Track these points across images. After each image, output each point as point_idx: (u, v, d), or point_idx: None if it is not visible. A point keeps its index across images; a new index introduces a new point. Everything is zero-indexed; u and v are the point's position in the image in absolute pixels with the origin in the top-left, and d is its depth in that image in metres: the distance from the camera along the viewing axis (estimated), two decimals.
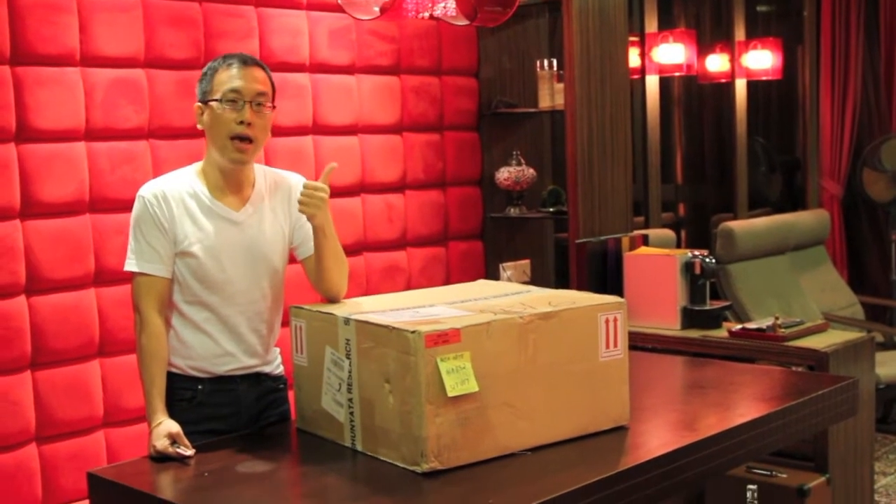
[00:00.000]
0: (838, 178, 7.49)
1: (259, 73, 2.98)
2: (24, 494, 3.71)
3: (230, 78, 2.93)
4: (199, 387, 3.03)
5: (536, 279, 5.33)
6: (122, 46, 3.99)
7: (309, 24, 4.61)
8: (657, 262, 4.82)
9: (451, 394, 2.49)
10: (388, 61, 4.94)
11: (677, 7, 7.13)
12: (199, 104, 3.00)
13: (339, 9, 4.37)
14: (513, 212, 5.37)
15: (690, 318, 4.75)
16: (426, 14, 4.42)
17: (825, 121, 7.49)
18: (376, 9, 4.25)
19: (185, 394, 3.02)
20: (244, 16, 4.36)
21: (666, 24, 6.63)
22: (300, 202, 2.92)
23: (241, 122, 2.91)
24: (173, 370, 3.00)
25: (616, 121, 5.19)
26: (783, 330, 4.47)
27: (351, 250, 4.60)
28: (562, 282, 5.41)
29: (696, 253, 4.79)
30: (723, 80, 7.07)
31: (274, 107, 3.02)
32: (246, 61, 2.98)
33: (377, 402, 2.64)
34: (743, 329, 4.60)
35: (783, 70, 7.26)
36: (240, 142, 2.92)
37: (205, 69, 3.02)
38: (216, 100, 2.93)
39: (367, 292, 4.65)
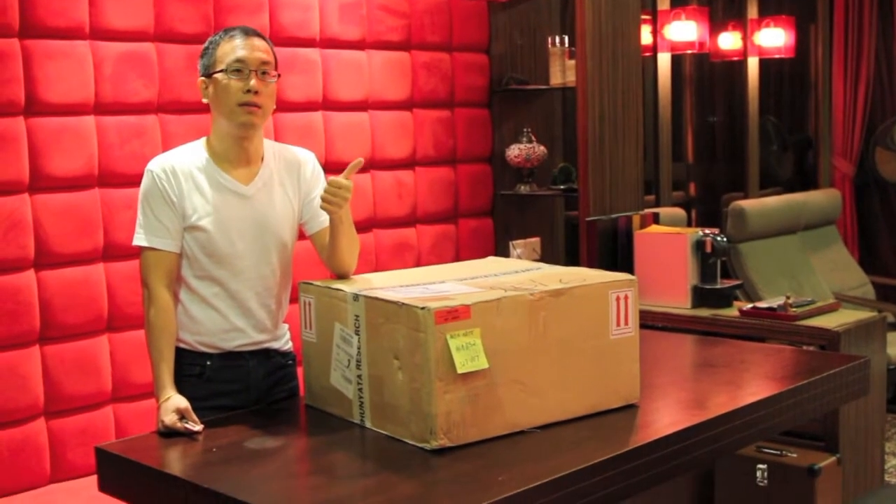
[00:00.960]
0: (850, 158, 7.46)
1: (261, 43, 2.97)
2: (33, 469, 3.72)
3: (234, 49, 2.92)
4: (208, 362, 3.02)
5: (546, 257, 5.32)
6: (132, 20, 3.97)
7: None
8: (668, 241, 4.81)
9: (460, 370, 2.48)
10: (398, 37, 4.91)
11: None
12: (203, 79, 2.98)
13: None
14: (523, 189, 5.35)
15: (701, 296, 4.74)
16: None
17: (838, 100, 7.45)
18: None
19: (193, 369, 3.01)
20: None
21: (679, 1, 6.59)
22: (323, 199, 2.89)
23: (248, 91, 2.90)
24: (182, 345, 3.00)
25: (627, 98, 5.17)
26: (794, 309, 4.46)
27: (361, 227, 4.57)
28: (572, 260, 5.40)
29: (708, 231, 4.77)
30: (735, 59, 7.04)
31: (278, 75, 3.00)
32: (247, 32, 2.97)
33: (386, 379, 2.63)
34: (754, 308, 4.59)
35: (796, 48, 7.22)
36: (248, 105, 2.91)
37: (206, 44, 3.01)
38: (221, 71, 2.92)
39: (377, 269, 4.64)
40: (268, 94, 2.96)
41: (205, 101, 3.00)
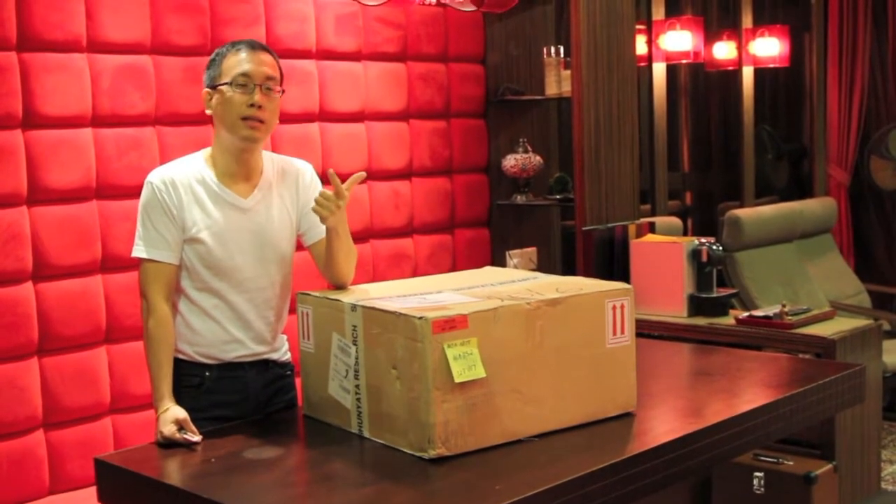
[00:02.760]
0: (845, 166, 7.47)
1: (267, 58, 2.98)
2: (32, 480, 3.72)
3: (239, 62, 2.93)
4: (207, 373, 3.03)
5: (543, 266, 5.33)
6: (129, 33, 3.99)
7: (315, 10, 4.60)
8: (664, 250, 4.82)
9: (458, 380, 2.49)
10: (394, 48, 4.93)
11: None
12: (208, 90, 2.99)
13: None
14: (519, 199, 5.36)
15: (697, 305, 4.76)
16: (433, 0, 4.41)
17: (832, 108, 7.47)
18: None
19: (192, 380, 3.02)
20: (250, 2, 4.35)
21: (673, 11, 6.61)
22: (316, 202, 2.92)
23: (252, 105, 2.91)
24: (181, 356, 3.01)
25: (623, 108, 5.18)
26: (790, 317, 4.47)
27: (358, 237, 4.56)
28: (568, 269, 5.41)
29: (703, 240, 4.79)
30: (730, 68, 7.05)
31: (283, 91, 3.01)
32: (254, 46, 2.98)
33: (384, 389, 2.64)
34: (750, 316, 4.61)
35: (790, 57, 7.24)
36: (251, 120, 2.92)
37: (213, 55, 3.02)
38: (226, 83, 2.93)
39: (374, 279, 4.65)
40: (271, 110, 2.97)
41: (208, 112, 3.01)
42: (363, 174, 2.99)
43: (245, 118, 2.92)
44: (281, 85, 3.01)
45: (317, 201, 2.91)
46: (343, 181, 2.92)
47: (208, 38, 4.17)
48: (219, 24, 4.23)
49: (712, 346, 4.22)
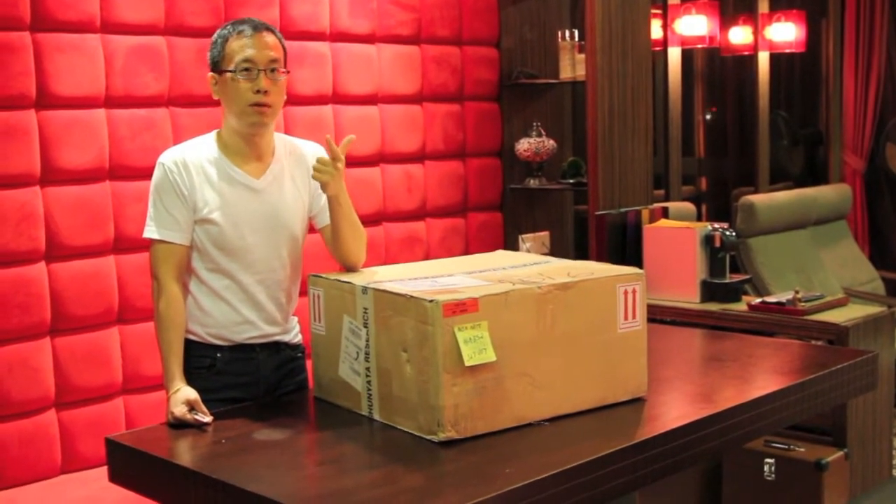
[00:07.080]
0: (861, 153, 7.44)
1: (270, 39, 2.96)
2: (44, 460, 3.74)
3: (242, 47, 2.91)
4: (218, 354, 3.03)
5: (556, 251, 5.32)
6: (143, 13, 3.99)
7: None
8: (677, 235, 4.80)
9: (468, 363, 2.49)
10: (408, 31, 4.92)
11: None
12: (213, 74, 2.98)
13: None
14: (532, 183, 5.36)
15: (710, 291, 4.74)
16: None
17: (848, 94, 7.43)
18: None
19: (203, 361, 3.02)
20: None
21: None
22: (314, 169, 2.92)
23: (258, 91, 2.90)
24: (192, 337, 3.01)
25: (637, 93, 5.17)
26: (803, 304, 4.46)
27: (370, 220, 4.60)
28: (581, 254, 5.41)
29: (717, 226, 4.77)
30: (746, 53, 7.03)
31: (287, 71, 3.00)
32: (257, 27, 2.95)
33: (394, 371, 2.64)
34: (763, 303, 4.59)
35: (807, 43, 7.21)
36: (258, 106, 2.91)
37: (214, 37, 2.99)
38: (230, 70, 2.91)
39: (386, 262, 4.63)
40: (277, 92, 2.95)
41: (215, 96, 3.00)
42: (352, 137, 2.99)
43: (252, 105, 2.91)
44: (286, 65, 3.00)
45: (315, 168, 2.91)
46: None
47: (222, 20, 4.16)
48: (233, 5, 4.23)
49: (724, 331, 4.21)
